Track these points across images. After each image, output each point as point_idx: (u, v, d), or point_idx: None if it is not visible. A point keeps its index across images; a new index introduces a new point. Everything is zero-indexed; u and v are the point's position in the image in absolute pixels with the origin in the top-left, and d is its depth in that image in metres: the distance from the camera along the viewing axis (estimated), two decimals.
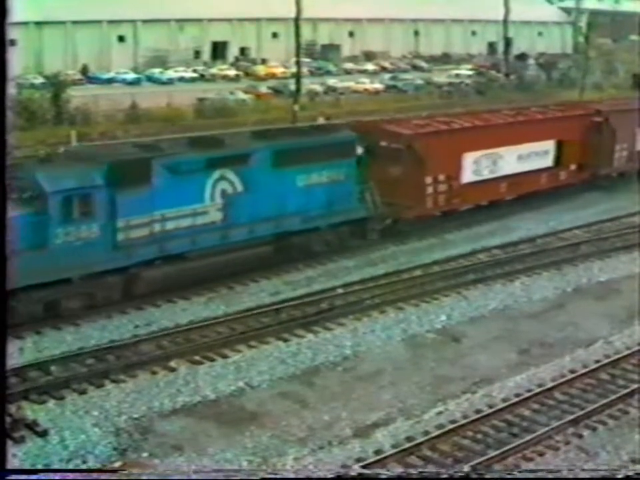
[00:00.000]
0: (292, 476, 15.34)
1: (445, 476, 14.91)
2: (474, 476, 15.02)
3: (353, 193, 27.81)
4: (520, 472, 15.64)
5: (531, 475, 15.63)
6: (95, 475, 14.01)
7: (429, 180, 30.80)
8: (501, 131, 34.04)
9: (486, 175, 33.24)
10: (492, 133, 33.53)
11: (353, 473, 15.02)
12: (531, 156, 35.16)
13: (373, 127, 32.17)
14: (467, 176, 32.45)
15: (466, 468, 15.70)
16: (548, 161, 36.25)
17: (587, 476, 14.92)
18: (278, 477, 15.27)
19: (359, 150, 28.40)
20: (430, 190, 30.97)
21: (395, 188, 29.04)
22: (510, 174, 33.98)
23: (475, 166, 32.66)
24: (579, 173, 37.50)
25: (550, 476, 15.47)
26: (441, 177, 31.21)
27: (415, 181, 30.17)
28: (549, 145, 36.24)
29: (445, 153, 30.79)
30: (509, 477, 15.30)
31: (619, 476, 14.61)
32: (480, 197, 33.37)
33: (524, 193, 34.74)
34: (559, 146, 36.49)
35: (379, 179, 28.61)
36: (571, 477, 14.94)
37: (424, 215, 30.97)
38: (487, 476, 15.30)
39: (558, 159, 36.54)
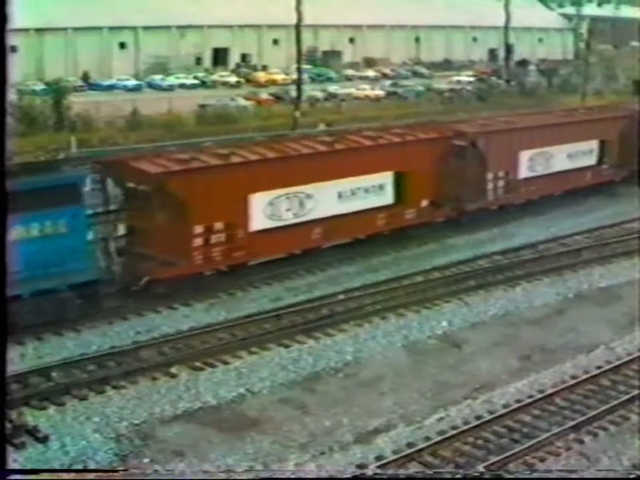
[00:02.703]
0: (310, 476, 15.45)
1: (459, 476, 15.02)
2: (488, 476, 15.13)
3: (78, 250, 22.16)
4: (531, 472, 15.72)
5: (546, 476, 15.75)
6: (91, 476, 14.04)
7: (198, 229, 24.69)
8: (308, 164, 27.35)
9: (290, 219, 26.98)
10: (293, 167, 26.96)
11: (369, 473, 15.13)
12: (358, 193, 28.72)
13: (121, 164, 25.78)
14: (259, 222, 26.15)
15: (480, 468, 15.77)
16: (385, 198, 29.65)
17: (600, 476, 15.07)
18: (293, 477, 15.40)
19: (107, 193, 24.19)
20: (199, 242, 24.75)
21: (151, 240, 23.96)
22: (326, 217, 27.70)
23: (270, 209, 26.40)
24: (433, 211, 30.98)
25: (564, 476, 15.59)
26: (218, 225, 25.04)
27: (175, 231, 24.08)
28: (384, 178, 29.49)
29: (220, 194, 24.75)
30: (522, 477, 15.45)
31: (632, 476, 14.74)
32: (281, 247, 27.15)
33: (352, 239, 29.08)
34: (399, 179, 29.79)
35: (133, 229, 24.36)
36: (586, 476, 15.06)
37: (190, 273, 24.79)
38: (505, 476, 15.46)
39: (399, 195, 29.92)
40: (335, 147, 28.48)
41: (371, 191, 29.15)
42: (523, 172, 34.62)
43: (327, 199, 27.68)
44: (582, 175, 37.28)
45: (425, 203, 30.51)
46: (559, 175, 35.97)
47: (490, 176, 33.12)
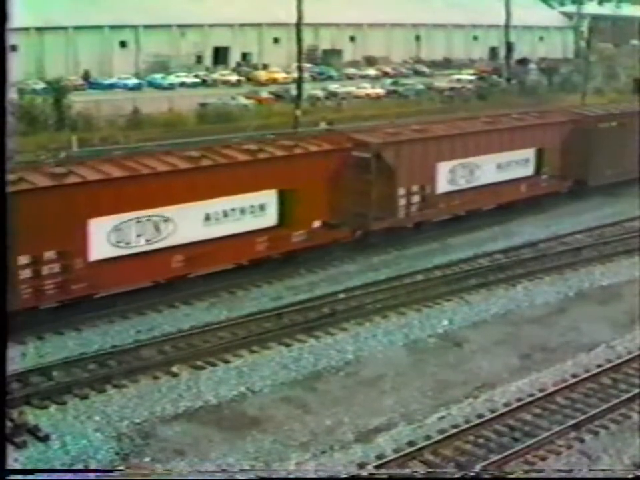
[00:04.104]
0: (310, 475, 15.47)
1: (457, 476, 15.03)
2: (485, 476, 15.15)
3: None
4: (531, 471, 15.74)
5: (546, 475, 15.77)
6: (92, 475, 14.04)
7: (23, 260, 21.18)
8: (165, 183, 23.89)
9: (142, 246, 23.62)
10: (145, 187, 23.51)
11: (365, 473, 15.16)
12: (231, 215, 25.34)
13: None
14: (102, 250, 22.78)
15: (477, 468, 15.78)
16: (266, 220, 26.22)
17: (600, 476, 15.09)
18: (292, 476, 15.42)
19: None
20: (27, 273, 21.38)
21: None
22: (190, 242, 24.41)
23: (116, 235, 23.04)
24: (328, 232, 27.45)
25: (563, 476, 15.63)
26: (49, 255, 21.75)
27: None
28: (266, 197, 26.04)
29: (50, 219, 21.46)
30: (522, 477, 15.46)
31: (629, 476, 14.76)
32: (132, 277, 23.54)
33: (230, 266, 25.97)
34: (285, 197, 26.34)
35: None
36: (588, 477, 15.09)
37: (17, 310, 19.99)
38: (505, 475, 15.48)
39: (285, 216, 26.47)
40: (201, 163, 24.98)
41: (249, 211, 25.76)
42: (442, 186, 31.31)
43: (191, 222, 24.37)
44: (515, 187, 34.18)
45: (317, 223, 27.24)
46: (487, 187, 32.83)
47: (401, 191, 29.93)
